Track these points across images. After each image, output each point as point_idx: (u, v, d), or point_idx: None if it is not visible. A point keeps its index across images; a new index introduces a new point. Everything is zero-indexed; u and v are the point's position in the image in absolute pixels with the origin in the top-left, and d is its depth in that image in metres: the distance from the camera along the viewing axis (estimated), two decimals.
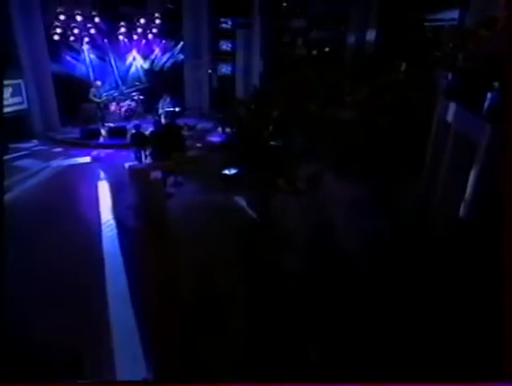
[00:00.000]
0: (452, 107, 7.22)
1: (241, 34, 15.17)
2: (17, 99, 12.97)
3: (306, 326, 4.60)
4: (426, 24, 13.43)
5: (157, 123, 9.04)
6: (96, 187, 8.56)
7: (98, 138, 12.46)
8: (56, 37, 14.32)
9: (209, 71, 16.45)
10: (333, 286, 5.13)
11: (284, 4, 13.43)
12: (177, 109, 14.28)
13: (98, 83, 14.00)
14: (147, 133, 10.63)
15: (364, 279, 5.16)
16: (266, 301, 4.93)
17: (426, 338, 4.42)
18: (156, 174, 7.24)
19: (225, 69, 16.62)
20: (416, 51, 11.74)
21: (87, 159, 11.02)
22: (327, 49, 15.16)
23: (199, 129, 14.04)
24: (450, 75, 7.61)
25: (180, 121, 14.20)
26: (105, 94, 15.44)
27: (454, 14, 11.25)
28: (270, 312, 4.75)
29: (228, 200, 7.62)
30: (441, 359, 4.14)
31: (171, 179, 7.99)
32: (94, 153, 11.52)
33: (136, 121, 14.41)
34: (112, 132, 12.40)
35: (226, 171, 8.15)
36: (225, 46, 16.02)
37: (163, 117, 14.12)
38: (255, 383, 3.39)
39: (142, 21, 15.44)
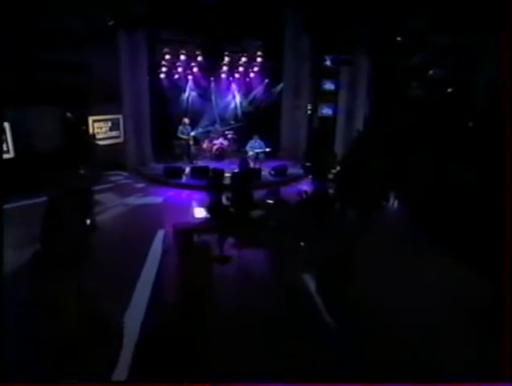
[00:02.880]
0: None
1: (345, 72, 13.66)
2: (115, 133, 13.38)
3: None
4: None
5: (243, 162, 7.80)
6: (151, 236, 7.64)
7: (181, 177, 11.89)
8: (162, 75, 14.79)
9: (308, 111, 15.18)
10: None
11: (398, 38, 11.53)
12: (267, 150, 13.19)
13: (186, 120, 13.77)
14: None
15: None
16: None
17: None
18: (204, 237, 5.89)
19: (325, 110, 15.18)
20: None
21: (160, 199, 10.40)
22: (449, 90, 12.67)
23: (289, 174, 12.67)
24: None
25: (270, 164, 13.17)
26: (200, 131, 15.32)
27: None
28: None
29: (294, 280, 5.94)
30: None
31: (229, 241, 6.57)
32: (171, 193, 10.90)
33: (226, 162, 13.98)
34: (195, 171, 11.75)
35: (302, 244, 6.36)
36: (328, 85, 14.64)
37: (251, 158, 13.19)
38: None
39: (244, 59, 15.08)
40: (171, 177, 11.76)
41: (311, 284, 5.86)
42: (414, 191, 9.00)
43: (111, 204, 9.91)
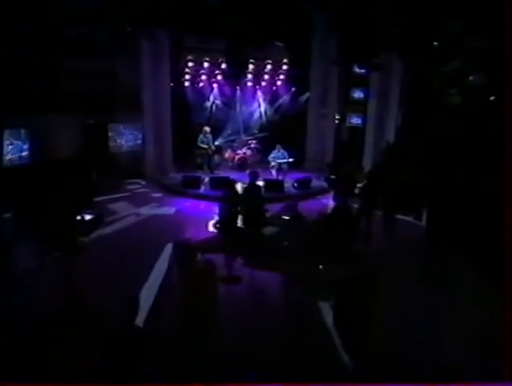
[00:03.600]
0: None
1: (375, 79, 12.85)
2: (135, 141, 13.14)
3: None
4: None
5: (253, 175, 7.08)
6: (158, 251, 7.15)
7: (199, 187, 11.42)
8: (187, 83, 14.52)
9: (336, 120, 14.43)
10: None
11: (435, 43, 10.64)
12: (290, 160, 12.54)
13: (207, 129, 13.33)
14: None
15: None
16: None
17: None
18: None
19: (354, 119, 14.38)
20: None
21: (174, 210, 9.96)
22: (491, 98, 11.55)
23: (313, 186, 11.94)
24: None
25: (294, 176, 12.51)
26: (224, 140, 14.88)
27: None
28: None
29: (309, 310, 5.25)
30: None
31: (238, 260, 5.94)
32: (187, 203, 10.44)
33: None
34: (214, 182, 11.26)
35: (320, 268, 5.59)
36: (357, 93, 13.86)
37: (274, 169, 12.58)
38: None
39: (269, 67, 14.58)
40: (188, 187, 11.32)
41: (327, 315, 5.14)
42: (450, 210, 8.05)
43: (124, 213, 9.57)
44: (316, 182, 12.15)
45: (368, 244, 7.00)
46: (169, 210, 9.99)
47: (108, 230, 8.16)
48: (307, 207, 9.71)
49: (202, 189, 11.45)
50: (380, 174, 10.74)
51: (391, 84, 12.61)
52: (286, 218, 6.29)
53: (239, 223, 6.02)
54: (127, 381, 3.21)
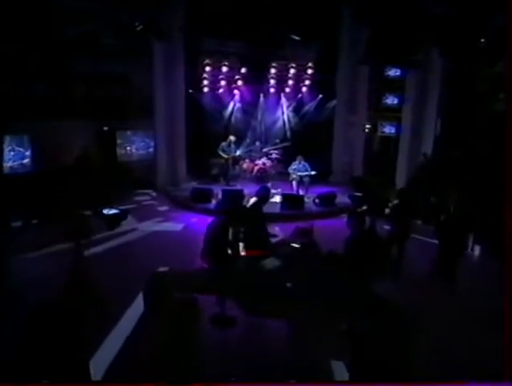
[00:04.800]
0: None
1: (412, 83, 11.43)
2: (146, 149, 12.34)
3: None
4: None
5: (263, 191, 5.85)
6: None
7: (210, 201, 10.37)
8: (205, 89, 13.64)
9: (366, 129, 13.07)
10: None
11: (482, 40, 9.15)
12: (313, 173, 11.27)
13: (232, 138, 12.34)
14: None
15: None
16: None
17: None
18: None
19: (387, 128, 12.98)
20: None
21: (179, 227, 8.94)
22: None
23: (338, 203, 10.61)
24: None
25: (318, 190, 11.26)
26: (242, 150, 13.83)
27: None
28: None
29: (317, 368, 4.01)
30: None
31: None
32: (194, 219, 9.40)
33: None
34: (226, 195, 10.18)
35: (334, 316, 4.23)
36: (390, 99, 12.49)
37: (294, 182, 11.36)
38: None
39: (293, 71, 13.46)
40: (198, 200, 10.29)
41: (340, 375, 3.87)
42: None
43: (123, 229, 8.59)
44: (342, 199, 10.81)
45: (400, 283, 5.68)
46: (172, 226, 8.98)
47: (93, 250, 7.22)
48: (327, 228, 8.45)
49: (213, 203, 10.38)
50: (416, 192, 9.33)
51: (430, 88, 11.14)
52: (297, 246, 5.05)
53: (235, 250, 4.85)
54: None
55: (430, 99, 11.37)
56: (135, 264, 6.78)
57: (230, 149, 12.29)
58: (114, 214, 5.87)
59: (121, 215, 6.09)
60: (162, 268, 5.99)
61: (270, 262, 4.53)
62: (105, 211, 5.68)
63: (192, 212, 9.96)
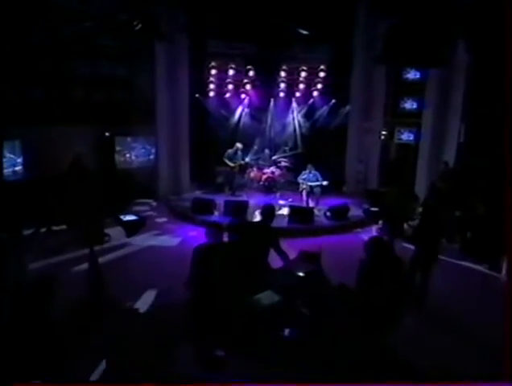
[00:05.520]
0: None
1: (433, 86, 10.52)
2: (147, 157, 11.67)
3: None
4: None
5: (267, 210, 4.84)
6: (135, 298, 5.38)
7: (212, 213, 9.60)
8: (211, 93, 12.95)
9: (382, 136, 12.16)
10: None
11: None
12: (324, 183, 10.39)
13: (239, 145, 11.61)
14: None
15: None
16: None
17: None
18: None
19: (405, 135, 12.05)
20: None
21: (175, 241, 8.19)
22: None
23: (351, 216, 9.71)
24: None
25: (329, 202, 10.40)
26: (250, 157, 13.04)
27: None
28: None
29: None
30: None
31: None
32: (193, 233, 8.63)
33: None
34: (229, 206, 9.40)
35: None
36: (409, 103, 11.58)
37: (304, 193, 10.50)
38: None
39: (303, 74, 12.66)
40: (199, 212, 9.53)
41: None
42: None
43: (116, 243, 7.93)
44: (355, 211, 9.90)
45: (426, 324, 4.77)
46: (168, 241, 8.23)
47: (76, 269, 6.54)
48: (339, 247, 7.57)
49: (215, 215, 9.60)
50: (440, 207, 8.36)
51: (453, 90, 10.20)
52: (301, 274, 4.21)
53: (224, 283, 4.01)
54: None
55: (453, 103, 10.42)
56: (122, 283, 6.04)
57: (237, 157, 11.55)
58: (133, 220, 5.74)
59: (140, 222, 5.87)
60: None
61: (267, 297, 3.70)
62: (123, 218, 5.62)
63: (192, 225, 9.19)
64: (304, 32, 10.34)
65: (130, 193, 10.66)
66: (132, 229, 6.05)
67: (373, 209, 7.80)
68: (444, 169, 9.83)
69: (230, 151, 11.49)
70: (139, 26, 8.92)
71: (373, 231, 8.53)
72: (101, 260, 7.12)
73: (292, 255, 4.78)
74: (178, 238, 8.33)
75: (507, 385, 2.99)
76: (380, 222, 6.46)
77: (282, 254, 4.51)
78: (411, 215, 6.58)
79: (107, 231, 8.27)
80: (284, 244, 4.65)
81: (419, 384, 3.23)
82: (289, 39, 10.93)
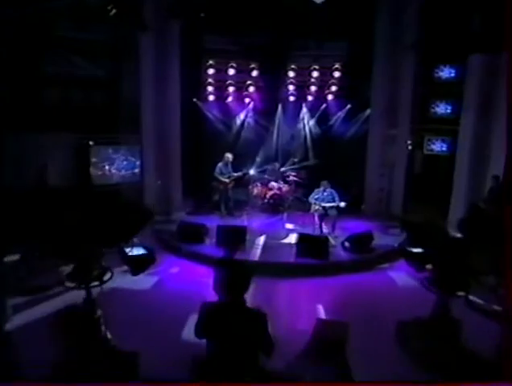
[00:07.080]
0: None
1: (473, 86, 8.65)
2: (130, 170, 9.96)
3: None
4: None
5: None
6: None
7: (202, 240, 7.81)
8: (211, 97, 11.30)
9: (409, 146, 10.25)
10: None
11: None
12: (342, 204, 8.49)
13: (229, 156, 9.89)
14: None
15: None
16: None
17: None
18: None
19: (437, 145, 10.18)
20: None
21: (150, 282, 6.40)
22: None
23: (375, 246, 7.79)
24: None
25: (348, 226, 8.56)
26: (255, 170, 11.26)
27: None
28: None
29: None
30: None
31: None
32: (174, 269, 6.83)
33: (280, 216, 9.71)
34: (222, 233, 7.60)
35: None
36: (441, 107, 9.72)
37: (317, 215, 8.63)
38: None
39: (316, 74, 10.91)
40: (186, 239, 7.73)
41: None
42: None
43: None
44: (382, 240, 7.98)
45: None
46: (140, 281, 6.33)
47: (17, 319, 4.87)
48: (364, 296, 5.68)
49: (207, 243, 7.79)
50: (486, 232, 6.40)
51: (499, 89, 8.29)
52: (319, 370, 2.36)
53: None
54: None
55: (498, 105, 8.51)
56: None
57: (227, 170, 9.85)
58: (141, 255, 4.58)
59: (149, 257, 4.62)
60: None
61: None
62: (128, 251, 4.53)
63: (177, 256, 7.40)
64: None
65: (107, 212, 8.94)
66: (140, 266, 4.70)
67: (415, 250, 5.17)
68: (494, 186, 7.87)
69: (221, 164, 9.84)
70: (113, 11, 7.32)
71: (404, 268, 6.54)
72: (44, 308, 5.49)
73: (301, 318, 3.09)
74: (154, 277, 6.50)
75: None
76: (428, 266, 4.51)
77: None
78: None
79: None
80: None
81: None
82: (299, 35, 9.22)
